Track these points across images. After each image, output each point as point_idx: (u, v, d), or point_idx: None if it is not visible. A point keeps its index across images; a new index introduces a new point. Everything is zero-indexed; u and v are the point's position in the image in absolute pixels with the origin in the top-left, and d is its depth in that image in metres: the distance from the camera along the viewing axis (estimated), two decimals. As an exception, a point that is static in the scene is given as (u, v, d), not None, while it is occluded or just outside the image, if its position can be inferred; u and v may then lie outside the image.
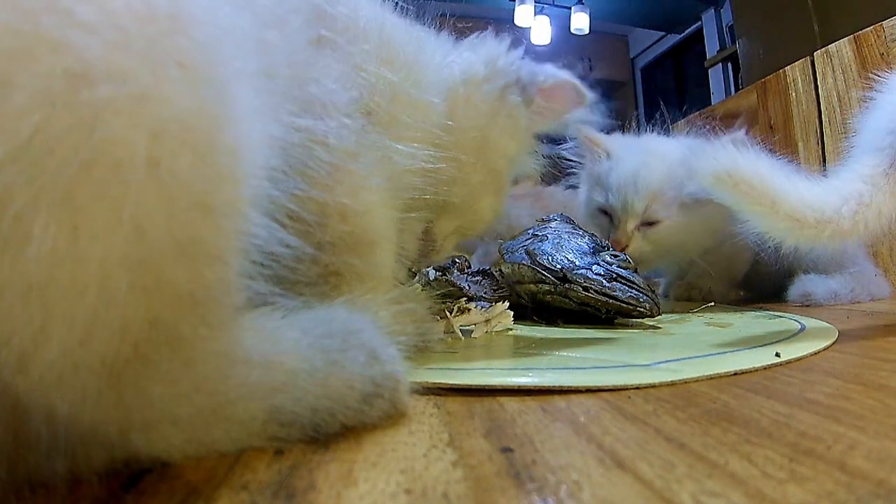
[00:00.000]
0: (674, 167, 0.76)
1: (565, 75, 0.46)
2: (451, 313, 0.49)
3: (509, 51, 0.48)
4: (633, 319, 0.55)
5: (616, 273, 0.55)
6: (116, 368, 0.18)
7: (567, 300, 0.55)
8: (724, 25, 3.34)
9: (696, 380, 0.31)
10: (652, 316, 0.54)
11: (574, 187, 0.93)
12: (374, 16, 0.36)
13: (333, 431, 0.22)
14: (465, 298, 0.53)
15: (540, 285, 0.56)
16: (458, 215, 0.46)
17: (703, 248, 0.80)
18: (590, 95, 0.45)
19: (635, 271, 0.56)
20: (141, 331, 0.18)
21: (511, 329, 0.52)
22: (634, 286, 0.54)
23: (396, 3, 0.39)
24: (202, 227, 0.19)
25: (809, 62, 1.22)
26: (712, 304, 0.75)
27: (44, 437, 0.18)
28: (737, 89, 2.98)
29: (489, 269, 0.63)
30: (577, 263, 0.56)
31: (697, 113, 1.63)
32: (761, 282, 0.87)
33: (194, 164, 0.18)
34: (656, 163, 0.78)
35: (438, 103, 0.39)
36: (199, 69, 0.19)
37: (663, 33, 3.99)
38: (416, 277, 0.51)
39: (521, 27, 3.46)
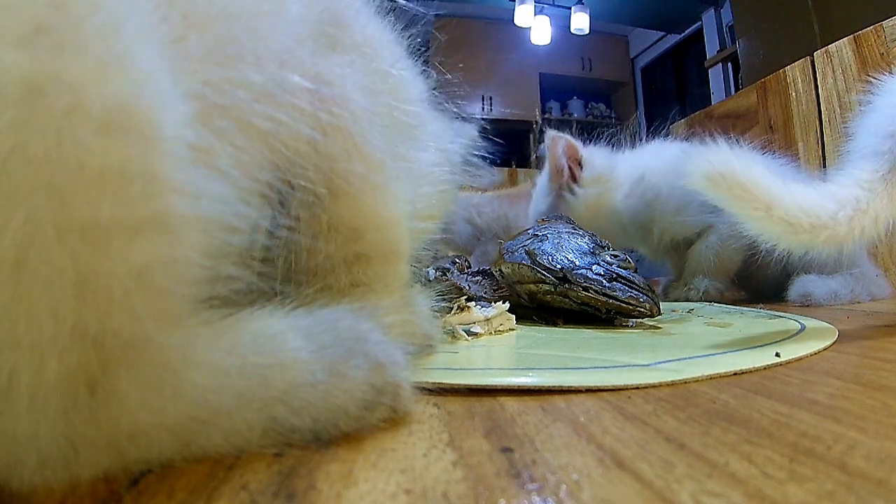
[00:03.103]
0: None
1: None
2: (450, 312, 0.49)
3: None
4: (633, 319, 0.55)
5: (616, 273, 0.55)
6: (62, 394, 0.17)
7: (567, 300, 0.55)
8: (724, 25, 3.35)
9: (696, 380, 0.31)
10: (652, 316, 0.54)
11: None
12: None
13: (333, 437, 0.22)
14: (464, 298, 0.53)
15: (540, 285, 0.56)
16: None
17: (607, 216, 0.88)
18: None
19: (635, 271, 0.56)
20: (68, 349, 0.17)
21: (512, 330, 0.52)
22: (634, 286, 0.54)
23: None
24: (89, 203, 0.16)
25: (809, 62, 1.22)
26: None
27: (32, 454, 0.17)
28: (737, 89, 2.98)
29: (489, 269, 0.63)
30: (577, 263, 0.56)
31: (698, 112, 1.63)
32: (761, 282, 0.87)
33: (62, 132, 0.16)
34: None
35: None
36: (60, 27, 0.17)
37: (663, 33, 4.00)
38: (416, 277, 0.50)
39: (521, 27, 3.47)
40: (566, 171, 0.87)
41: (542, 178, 0.93)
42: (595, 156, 0.89)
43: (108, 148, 0.17)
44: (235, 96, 0.24)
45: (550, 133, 0.89)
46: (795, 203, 0.42)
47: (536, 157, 1.01)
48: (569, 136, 0.88)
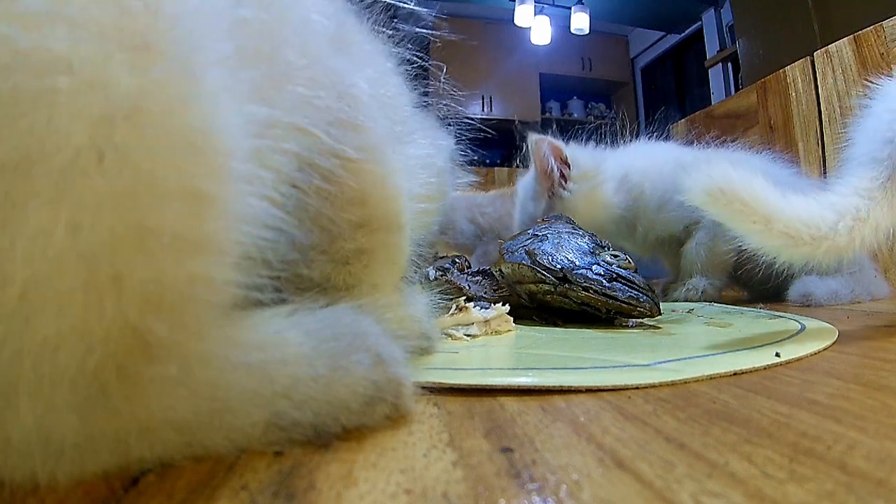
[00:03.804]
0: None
1: None
2: (448, 312, 0.49)
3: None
4: (633, 319, 0.55)
5: (616, 273, 0.55)
6: (92, 380, 0.18)
7: (567, 300, 0.55)
8: (724, 25, 3.35)
9: (696, 380, 0.31)
10: (652, 316, 0.54)
11: None
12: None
13: (334, 433, 0.22)
14: (464, 298, 0.53)
15: (540, 285, 0.56)
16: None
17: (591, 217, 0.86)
18: None
19: (636, 271, 0.56)
20: (109, 339, 0.18)
21: (510, 331, 0.52)
22: (634, 286, 0.54)
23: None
24: (164, 216, 0.18)
25: (809, 62, 1.22)
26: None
27: (32, 444, 0.18)
28: (737, 89, 2.98)
29: (489, 269, 0.63)
30: (577, 263, 0.56)
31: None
32: (761, 282, 0.87)
33: (149, 150, 0.18)
34: None
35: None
36: (160, 49, 0.18)
37: (663, 33, 3.99)
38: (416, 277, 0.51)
39: (521, 27, 3.47)
40: (556, 171, 0.87)
41: (526, 182, 0.93)
42: (579, 153, 0.89)
43: (188, 168, 0.19)
44: (278, 131, 0.25)
45: (533, 136, 0.89)
46: (795, 215, 0.41)
47: (521, 157, 0.99)
48: (551, 138, 0.88)
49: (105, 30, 0.17)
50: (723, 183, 0.40)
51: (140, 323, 0.18)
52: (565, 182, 0.87)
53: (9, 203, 0.16)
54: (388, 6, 0.38)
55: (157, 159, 0.18)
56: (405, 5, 0.39)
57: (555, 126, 0.96)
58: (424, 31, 0.41)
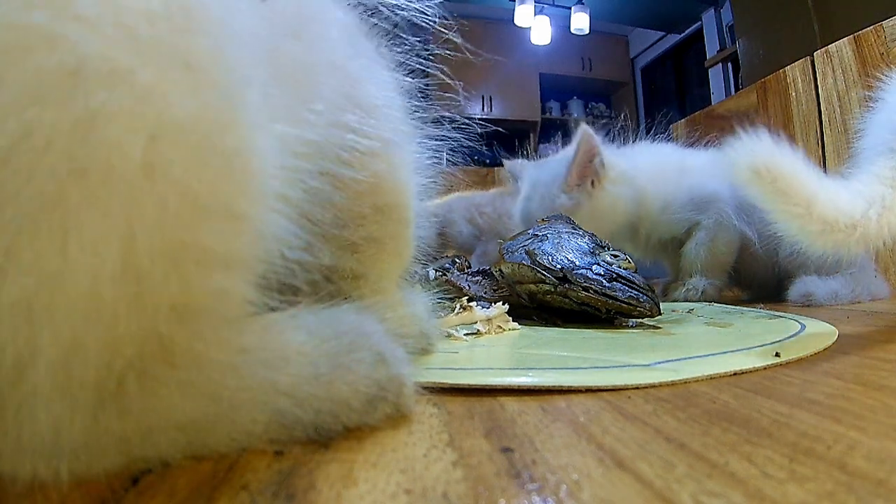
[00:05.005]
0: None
1: None
2: (453, 312, 0.49)
3: None
4: (633, 319, 0.55)
5: (616, 273, 0.55)
6: (112, 382, 0.18)
7: (567, 300, 0.55)
8: (724, 25, 3.34)
9: (696, 380, 0.31)
10: (652, 316, 0.54)
11: None
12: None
13: (334, 431, 0.22)
14: (466, 298, 0.53)
15: (540, 285, 0.56)
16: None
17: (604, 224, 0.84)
18: None
19: (636, 271, 0.56)
20: (136, 345, 0.18)
21: (514, 330, 0.52)
22: (634, 286, 0.54)
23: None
24: (202, 233, 0.19)
25: (809, 62, 1.22)
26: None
27: (44, 443, 0.18)
28: (737, 89, 2.98)
29: (489, 269, 0.63)
30: (577, 263, 0.56)
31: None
32: (761, 282, 0.88)
33: (195, 169, 0.18)
34: None
35: None
36: (208, 71, 0.19)
37: (663, 33, 3.99)
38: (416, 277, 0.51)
39: (521, 27, 3.46)
40: (596, 167, 0.84)
41: (554, 169, 0.89)
42: (613, 156, 0.87)
43: (225, 188, 0.19)
44: (305, 150, 0.26)
45: (584, 127, 0.85)
46: (830, 201, 0.40)
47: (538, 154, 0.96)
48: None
49: (158, 45, 0.18)
50: (769, 160, 0.38)
51: (166, 331, 0.19)
52: (595, 181, 0.85)
53: (62, 210, 0.16)
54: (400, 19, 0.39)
55: (198, 178, 0.18)
56: (425, 22, 0.39)
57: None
58: (440, 48, 0.42)
